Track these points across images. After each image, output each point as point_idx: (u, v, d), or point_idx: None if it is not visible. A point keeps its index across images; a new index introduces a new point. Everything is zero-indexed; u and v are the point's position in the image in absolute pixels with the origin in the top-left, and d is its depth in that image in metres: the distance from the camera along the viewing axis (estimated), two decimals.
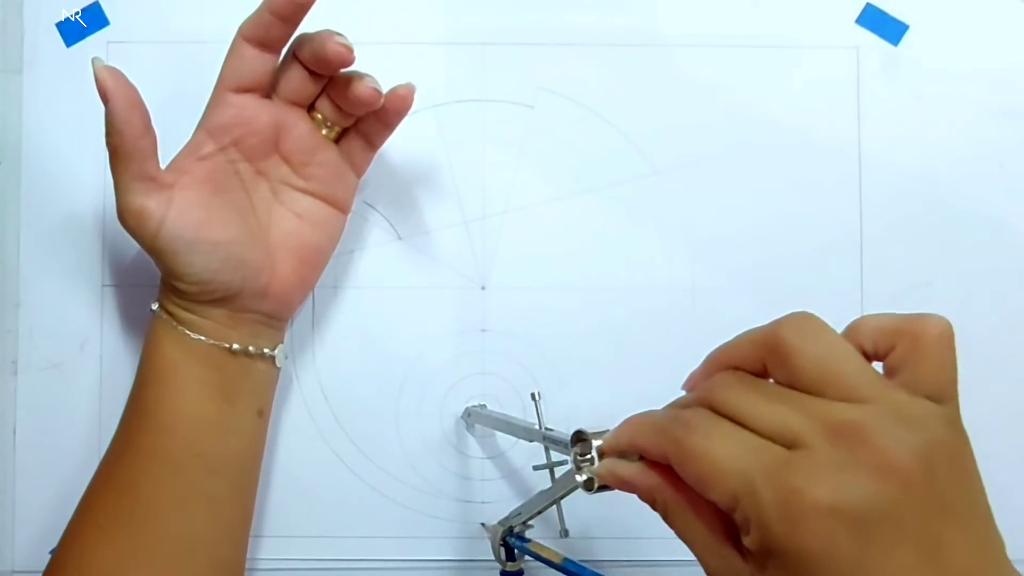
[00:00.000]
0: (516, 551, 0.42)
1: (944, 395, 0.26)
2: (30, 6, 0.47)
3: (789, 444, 0.25)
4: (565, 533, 0.39)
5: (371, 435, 0.46)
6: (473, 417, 0.45)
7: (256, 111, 0.39)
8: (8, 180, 0.46)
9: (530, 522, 0.41)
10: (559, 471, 0.39)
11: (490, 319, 0.47)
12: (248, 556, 0.43)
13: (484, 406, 0.46)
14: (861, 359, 0.26)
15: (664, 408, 0.30)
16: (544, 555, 0.39)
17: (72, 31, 0.47)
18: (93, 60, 0.36)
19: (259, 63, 0.38)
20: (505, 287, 0.47)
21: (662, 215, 0.47)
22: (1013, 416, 0.46)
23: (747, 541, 0.25)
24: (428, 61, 0.47)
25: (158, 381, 0.40)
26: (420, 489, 0.46)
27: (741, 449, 0.26)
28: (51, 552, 0.44)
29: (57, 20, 0.47)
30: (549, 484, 0.40)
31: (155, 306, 0.40)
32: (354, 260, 0.47)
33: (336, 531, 0.46)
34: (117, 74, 0.36)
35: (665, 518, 0.29)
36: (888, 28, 0.48)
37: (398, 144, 0.45)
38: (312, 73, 0.39)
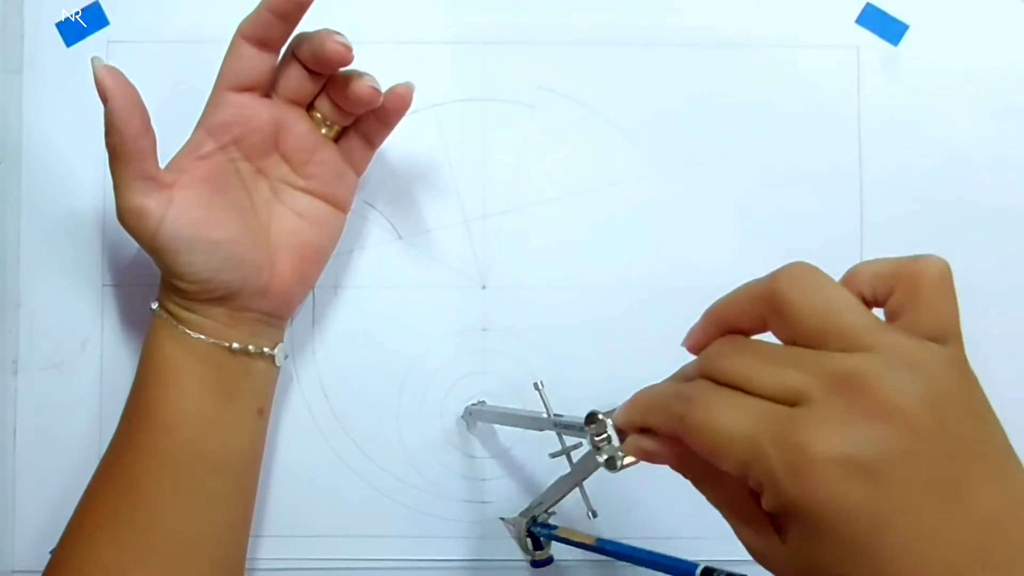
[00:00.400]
0: (542, 539, 0.41)
1: (947, 336, 0.26)
2: (30, 6, 0.47)
3: (792, 402, 0.25)
4: (594, 514, 0.39)
5: (372, 434, 0.46)
6: (476, 415, 0.45)
7: (256, 110, 0.39)
8: (8, 180, 0.46)
9: (550, 509, 0.41)
10: (575, 455, 0.39)
11: (491, 318, 0.47)
12: (248, 556, 0.43)
13: (483, 402, 0.46)
14: (860, 307, 0.26)
15: (667, 381, 0.30)
16: (576, 539, 0.39)
17: (72, 31, 0.47)
18: (93, 59, 0.36)
19: (258, 62, 0.38)
20: (506, 286, 0.47)
21: (662, 214, 0.47)
22: (1015, 415, 0.46)
23: (765, 505, 0.25)
24: (428, 60, 0.47)
25: (158, 380, 0.40)
26: (421, 488, 0.46)
27: (744, 415, 0.25)
28: (51, 552, 0.44)
29: (57, 20, 0.47)
30: (552, 475, 0.40)
31: (155, 305, 0.40)
32: (354, 259, 0.47)
33: (337, 530, 0.46)
34: (116, 73, 0.36)
35: (696, 487, 0.29)
36: (888, 28, 0.48)
37: (398, 143, 0.45)
38: (311, 72, 0.39)
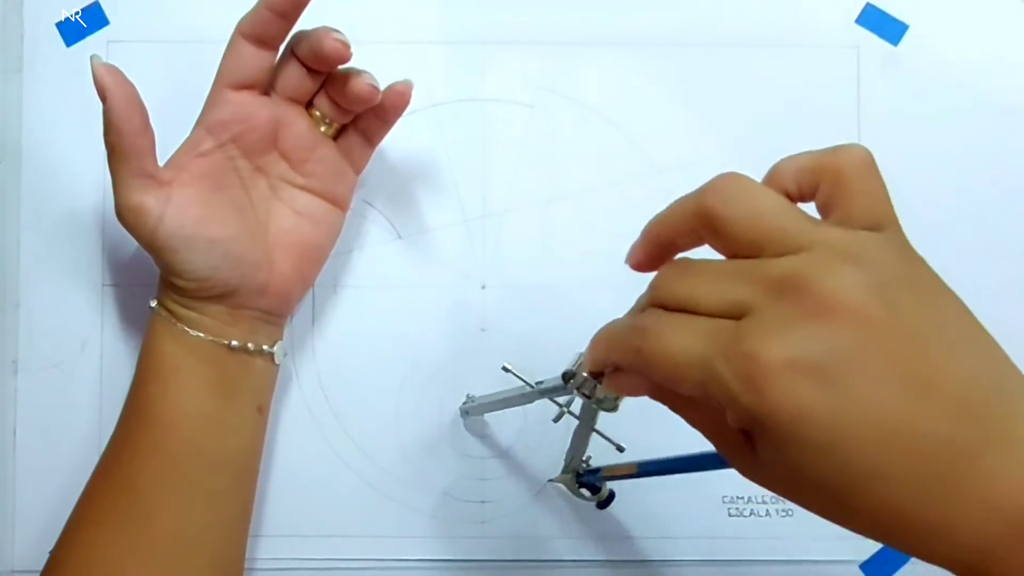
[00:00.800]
0: (596, 483, 0.42)
1: (882, 222, 0.26)
2: (30, 6, 0.47)
3: (739, 315, 0.25)
4: (621, 448, 0.40)
5: (371, 434, 0.46)
6: (471, 411, 0.45)
7: (254, 108, 0.39)
8: (8, 180, 0.46)
9: (586, 456, 0.42)
10: (574, 408, 0.39)
11: (490, 318, 0.47)
12: (247, 555, 0.43)
13: (472, 397, 0.46)
14: (790, 208, 0.26)
15: (626, 315, 0.30)
16: (621, 472, 0.40)
17: (72, 31, 0.47)
18: (92, 58, 0.36)
19: (257, 60, 0.38)
20: (505, 286, 0.47)
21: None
22: None
23: (730, 422, 0.25)
24: (428, 60, 0.47)
25: (157, 378, 0.40)
26: (420, 488, 0.46)
27: (693, 337, 0.25)
28: (51, 552, 0.44)
29: (57, 20, 0.47)
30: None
31: (154, 303, 0.40)
32: (354, 259, 0.47)
33: (335, 530, 0.46)
34: (115, 72, 0.36)
35: (674, 412, 0.28)
36: (888, 28, 0.48)
37: (398, 143, 0.45)
38: (310, 70, 0.39)
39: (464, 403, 0.46)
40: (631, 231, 0.47)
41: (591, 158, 0.47)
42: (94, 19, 0.47)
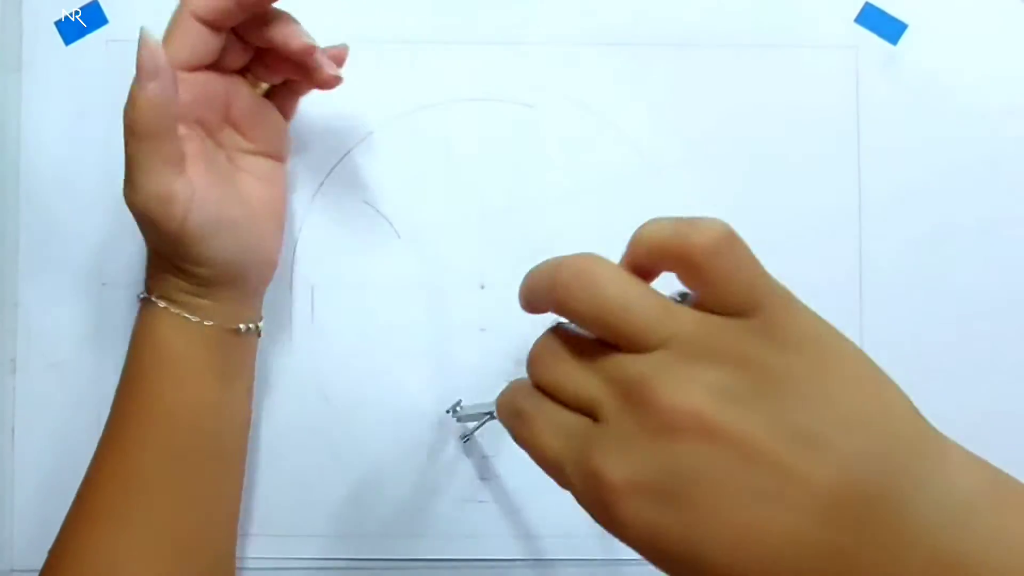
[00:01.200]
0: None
1: (747, 305, 0.23)
2: (29, 5, 0.47)
3: (594, 415, 0.23)
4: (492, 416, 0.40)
5: (369, 434, 0.46)
6: (461, 419, 0.45)
7: (210, 86, 0.38)
8: (7, 179, 0.46)
9: None
10: None
11: (489, 318, 0.47)
12: (240, 555, 0.43)
13: (460, 402, 0.46)
14: (641, 298, 0.23)
15: (520, 380, 0.28)
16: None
17: (71, 30, 0.47)
18: (141, 29, 0.34)
19: (214, 41, 0.37)
20: (504, 286, 0.47)
21: (661, 214, 0.47)
22: (1012, 418, 0.46)
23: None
24: (428, 60, 0.47)
25: (159, 371, 0.39)
26: (418, 488, 0.46)
27: (556, 435, 0.24)
28: (50, 549, 0.44)
29: (56, 19, 0.47)
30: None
31: (152, 296, 0.39)
32: (354, 259, 0.47)
33: (331, 530, 0.46)
34: (162, 51, 0.34)
35: None
36: (887, 28, 0.48)
37: (398, 143, 0.45)
38: (245, 41, 0.38)
39: (451, 411, 0.45)
40: (630, 231, 0.47)
41: (591, 158, 0.47)
42: (93, 18, 0.47)
